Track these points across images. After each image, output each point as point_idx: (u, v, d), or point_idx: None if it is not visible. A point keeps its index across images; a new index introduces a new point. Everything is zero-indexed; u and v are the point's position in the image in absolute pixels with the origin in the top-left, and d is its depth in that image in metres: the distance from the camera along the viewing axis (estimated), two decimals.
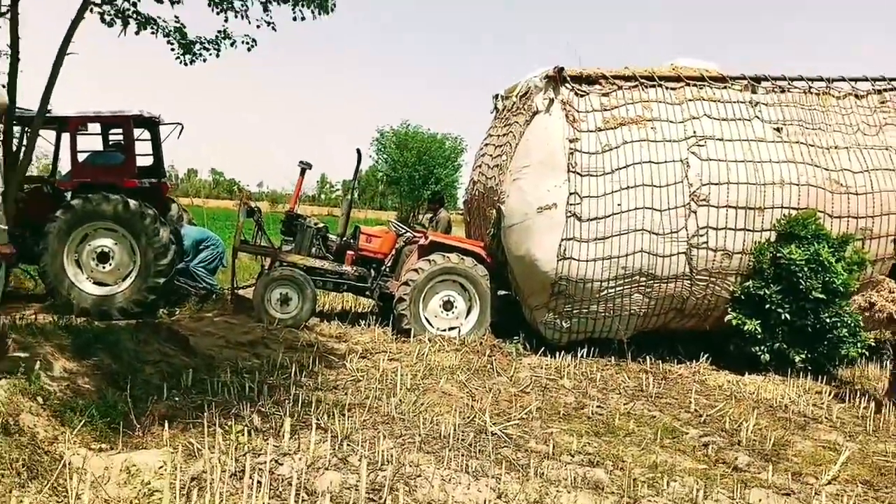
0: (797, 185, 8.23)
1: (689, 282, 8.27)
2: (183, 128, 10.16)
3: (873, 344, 8.07)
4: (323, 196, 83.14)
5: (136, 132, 9.70)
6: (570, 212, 8.16)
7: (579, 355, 8.17)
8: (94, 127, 10.04)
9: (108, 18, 5.96)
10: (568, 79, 8.50)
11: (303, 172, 9.59)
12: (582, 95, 8.54)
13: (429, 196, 17.29)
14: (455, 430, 5.20)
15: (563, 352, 8.23)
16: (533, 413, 6.01)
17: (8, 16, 5.49)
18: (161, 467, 4.07)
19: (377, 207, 69.69)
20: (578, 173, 8.20)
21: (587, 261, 8.17)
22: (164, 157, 10.47)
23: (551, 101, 8.48)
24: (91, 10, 5.50)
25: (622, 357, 8.23)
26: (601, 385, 7.18)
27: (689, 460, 5.07)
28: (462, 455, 4.71)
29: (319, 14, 6.65)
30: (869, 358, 8.28)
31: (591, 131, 8.34)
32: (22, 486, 3.73)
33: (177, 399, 5.45)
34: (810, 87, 8.87)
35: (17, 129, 7.51)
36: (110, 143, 10.20)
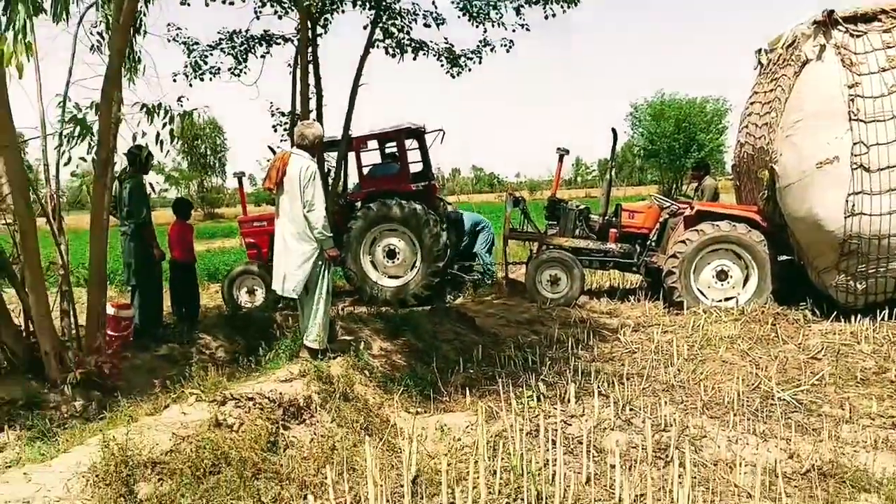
0: None
1: None
2: (444, 133, 11.14)
3: None
4: (579, 179, 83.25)
5: (407, 143, 10.87)
6: (855, 163, 7.44)
7: (879, 318, 7.41)
8: (373, 143, 11.43)
9: (390, 51, 6.88)
10: (840, 21, 7.73)
11: (561, 158, 9.97)
12: (858, 36, 7.70)
13: (692, 164, 16.58)
14: (739, 396, 5.17)
15: (859, 315, 7.54)
16: (826, 379, 5.68)
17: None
18: (468, 427, 4.72)
19: (636, 183, 67.91)
20: (862, 120, 7.44)
21: (881, 215, 7.39)
22: (430, 161, 11.56)
23: (823, 46, 7.78)
24: (377, 46, 6.42)
25: None
26: None
27: None
28: (748, 419, 4.70)
29: (568, 7, 6.96)
30: None
31: (874, 73, 7.50)
32: (362, 443, 4.60)
33: (471, 371, 6.17)
34: None
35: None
36: (386, 154, 11.53)
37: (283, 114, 8.80)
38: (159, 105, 5.38)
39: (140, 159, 6.79)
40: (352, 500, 3.57)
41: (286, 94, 7.90)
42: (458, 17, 7.30)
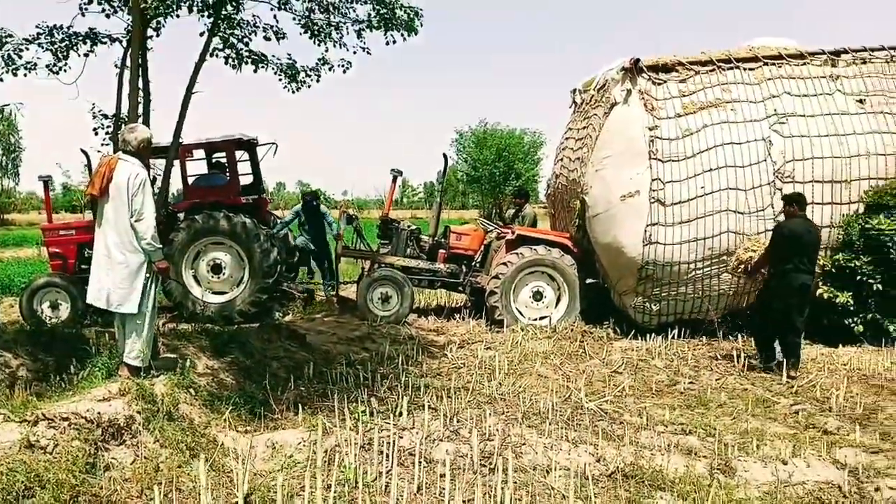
0: (883, 155, 8.19)
1: None
2: (277, 147, 10.98)
3: None
4: (405, 200, 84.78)
5: (238, 154, 10.56)
6: (653, 197, 8.40)
7: (670, 336, 8.39)
8: (200, 152, 10.96)
9: (230, 62, 6.72)
10: (644, 69, 8.73)
11: (395, 179, 10.22)
12: (659, 84, 8.74)
13: (513, 191, 17.64)
14: (553, 406, 5.63)
15: (653, 334, 8.48)
16: (626, 390, 6.35)
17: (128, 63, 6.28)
18: (300, 443, 4.70)
19: (459, 207, 70.50)
20: (660, 159, 8.42)
21: (673, 244, 8.39)
22: (262, 174, 11.33)
23: (629, 91, 8.73)
24: (216, 55, 6.25)
25: (713, 337, 8.40)
26: (693, 363, 7.41)
27: (779, 426, 5.30)
28: (561, 428, 5.13)
29: (409, 36, 7.23)
30: None
31: (671, 118, 8.55)
32: (187, 463, 4.42)
33: (302, 388, 6.12)
34: (892, 56, 8.74)
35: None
36: (213, 165, 11.10)
37: (105, 116, 8.24)
38: None
39: None
40: None
41: (111, 95, 7.40)
42: (300, 33, 7.32)
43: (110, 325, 7.05)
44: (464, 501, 3.86)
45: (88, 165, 9.66)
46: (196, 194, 10.16)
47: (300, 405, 5.52)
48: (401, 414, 5.15)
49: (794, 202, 7.10)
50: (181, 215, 10.06)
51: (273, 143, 10.98)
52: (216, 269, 9.91)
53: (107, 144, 7.79)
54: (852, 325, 7.82)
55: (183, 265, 9.72)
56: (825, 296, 8.05)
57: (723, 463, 4.48)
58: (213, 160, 11.12)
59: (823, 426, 5.20)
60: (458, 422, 5.16)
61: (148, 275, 5.24)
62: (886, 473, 4.30)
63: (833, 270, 8.12)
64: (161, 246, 5.29)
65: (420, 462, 4.30)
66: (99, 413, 4.24)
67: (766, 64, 8.80)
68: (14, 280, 13.17)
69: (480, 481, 4.09)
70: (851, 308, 7.79)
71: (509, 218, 11.35)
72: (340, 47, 7.33)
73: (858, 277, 7.75)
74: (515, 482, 4.10)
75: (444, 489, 3.98)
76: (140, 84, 5.73)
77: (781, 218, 8.16)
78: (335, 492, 3.88)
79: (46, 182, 10.05)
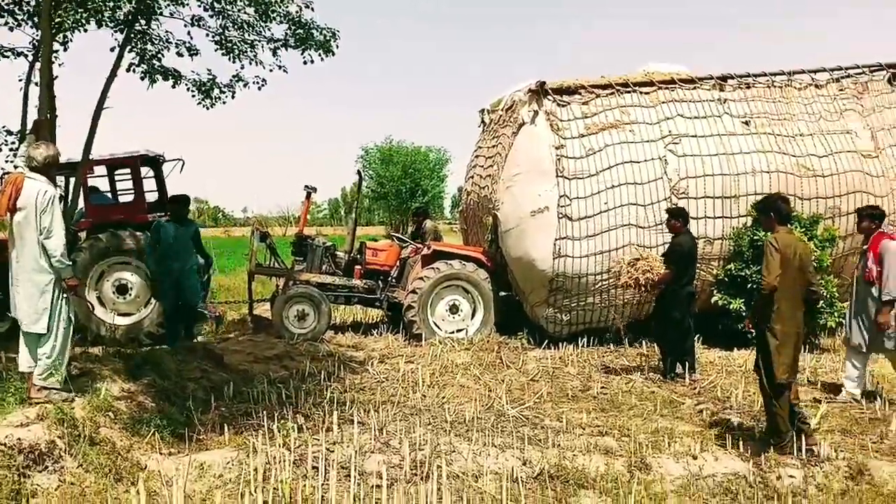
0: (768, 172, 8.95)
1: None
2: (184, 163, 10.72)
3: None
4: (310, 216, 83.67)
5: (143, 170, 10.24)
6: (561, 213, 8.81)
7: (580, 345, 8.80)
8: (101, 169, 10.53)
9: (143, 77, 6.57)
10: (549, 91, 9.18)
11: (308, 196, 10.22)
12: (563, 105, 9.22)
13: (413, 209, 17.98)
14: (477, 415, 5.84)
15: (565, 343, 8.87)
16: (544, 397, 6.64)
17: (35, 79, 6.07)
18: (228, 462, 4.65)
19: (364, 224, 70.33)
20: (566, 177, 8.86)
21: (580, 257, 8.82)
22: (167, 191, 10.99)
23: (536, 112, 9.16)
24: (133, 70, 6.11)
25: (620, 344, 8.88)
26: (603, 369, 7.81)
27: (686, 425, 5.72)
28: (487, 435, 5.32)
29: (326, 56, 7.31)
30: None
31: (575, 137, 9.02)
32: (113, 487, 4.30)
33: (224, 409, 6.03)
34: (773, 81, 9.61)
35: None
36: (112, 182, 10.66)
37: (9, 132, 7.80)
38: None
39: None
40: None
41: (16, 110, 7.03)
42: (214, 50, 7.25)
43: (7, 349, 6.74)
44: None
45: None
46: (99, 213, 9.77)
47: (224, 425, 5.46)
48: (330, 429, 5.20)
49: (680, 216, 7.57)
50: (82, 234, 9.65)
51: (180, 160, 10.70)
52: (122, 289, 9.53)
53: (10, 161, 7.38)
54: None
55: (87, 286, 9.28)
56: (720, 303, 8.69)
57: (639, 460, 4.79)
58: (115, 177, 10.70)
59: (726, 423, 5.65)
60: (387, 434, 5.26)
61: (58, 292, 5.07)
62: (786, 463, 4.74)
63: (726, 279, 8.78)
64: (71, 263, 5.14)
65: (354, 474, 4.37)
66: (19, 439, 4.09)
67: (660, 88, 9.45)
68: None
69: (415, 490, 4.21)
70: (744, 314, 8.42)
71: (410, 234, 11.60)
72: (256, 65, 7.34)
73: (749, 285, 8.40)
74: (449, 488, 4.24)
75: (379, 499, 4.07)
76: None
77: None
78: None
79: None
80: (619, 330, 9.02)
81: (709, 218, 8.89)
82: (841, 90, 9.79)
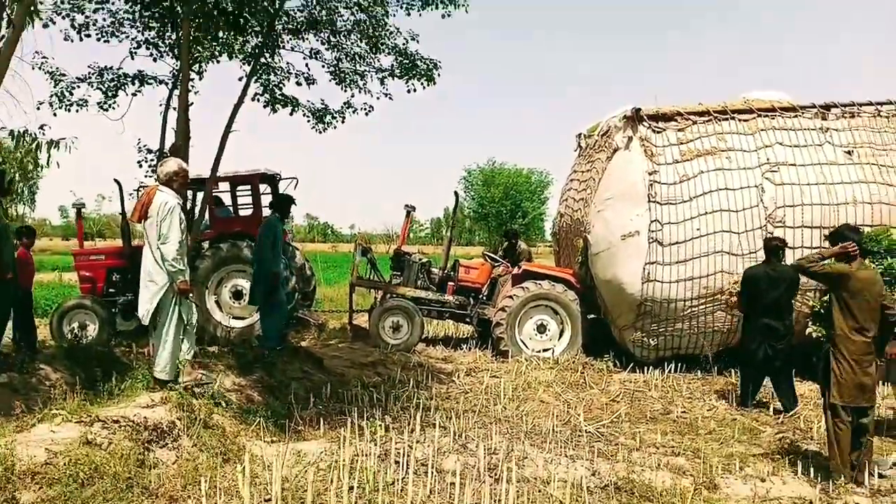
0: (869, 203, 8.69)
1: None
2: (298, 182, 11.61)
3: None
4: (412, 235, 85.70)
5: (261, 188, 11.18)
6: (652, 238, 8.91)
7: (667, 370, 8.83)
8: (225, 185, 11.58)
9: (265, 105, 7.37)
10: (645, 118, 9.33)
11: (408, 214, 10.81)
12: (659, 132, 9.34)
13: (504, 231, 18.57)
14: (553, 428, 6.10)
15: (651, 367, 8.92)
16: (623, 417, 6.80)
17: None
18: (322, 452, 5.17)
19: (465, 243, 71.31)
20: (658, 202, 8.96)
21: (670, 282, 8.87)
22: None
23: (630, 138, 9.33)
24: (257, 100, 6.88)
25: (708, 371, 8.83)
26: (687, 395, 7.85)
27: (762, 451, 5.73)
28: (561, 446, 5.59)
29: (428, 85, 7.88)
30: None
31: (669, 164, 9.11)
32: (220, 466, 4.89)
33: (321, 406, 6.60)
34: (879, 111, 9.33)
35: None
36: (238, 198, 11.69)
37: (149, 150, 8.90)
38: (25, 131, 5.44)
39: (2, 184, 6.59)
40: None
41: (156, 131, 8.07)
42: (329, 80, 8.00)
43: (133, 344, 7.62)
44: None
45: (121, 194, 10.27)
46: (221, 224, 10.77)
47: (321, 420, 6.01)
48: (413, 430, 5.62)
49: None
50: (205, 244, 10.65)
51: (294, 178, 11.61)
52: (237, 295, 10.44)
53: (149, 176, 8.41)
54: None
55: (206, 291, 10.25)
56: (814, 335, 8.48)
57: (707, 480, 4.92)
58: (237, 194, 11.72)
59: (803, 451, 5.63)
60: (465, 438, 5.62)
61: (171, 294, 5.71)
62: (854, 492, 4.73)
63: (821, 311, 8.55)
64: (184, 268, 5.74)
65: (432, 470, 4.76)
66: (145, 417, 4.75)
67: (759, 115, 9.38)
68: (38, 302, 13.69)
69: (486, 489, 4.54)
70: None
71: (501, 254, 12.03)
72: (365, 93, 8.00)
73: None
74: (517, 490, 4.55)
75: (454, 494, 4.44)
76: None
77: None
78: (357, 493, 4.35)
79: (79, 209, 10.66)
80: (707, 357, 8.98)
81: (806, 248, 8.71)
82: None
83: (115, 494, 3.73)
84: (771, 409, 7.17)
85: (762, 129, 9.32)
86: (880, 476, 5.00)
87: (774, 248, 7.53)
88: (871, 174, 8.87)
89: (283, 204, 8.64)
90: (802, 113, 9.44)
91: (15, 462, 3.59)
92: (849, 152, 9.09)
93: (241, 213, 11.25)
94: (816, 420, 6.55)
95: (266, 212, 11.38)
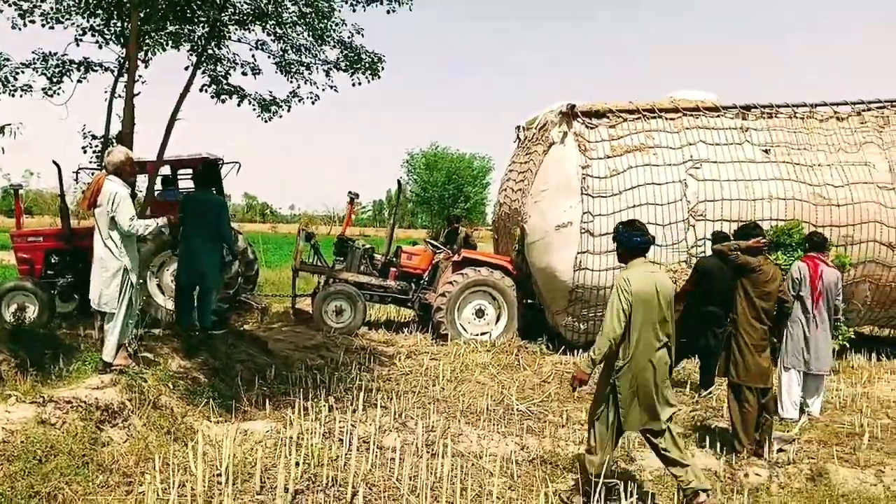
0: (784, 199, 9.42)
1: None
2: (240, 166, 11.68)
3: (853, 337, 9.19)
4: (354, 217, 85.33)
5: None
6: (583, 228, 9.42)
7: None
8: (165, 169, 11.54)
9: (213, 96, 7.49)
10: (579, 114, 9.81)
11: (351, 202, 11.06)
12: (592, 128, 9.84)
13: (447, 215, 18.97)
14: (488, 407, 6.53)
15: (581, 350, 9.47)
16: (552, 397, 7.29)
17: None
18: (268, 431, 5.45)
19: (407, 227, 71.54)
20: (590, 195, 9.48)
21: (600, 270, 9.42)
22: (224, 191, 11.95)
23: (565, 133, 9.80)
24: (205, 91, 7.01)
25: None
26: None
27: (676, 428, 6.29)
28: (494, 424, 6.02)
29: (373, 79, 8.14)
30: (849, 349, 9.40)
31: (601, 158, 9.63)
32: (169, 445, 5.12)
33: (266, 388, 6.85)
34: (795, 112, 10.07)
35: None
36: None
37: (94, 137, 8.86)
38: None
39: None
40: (178, 485, 4.16)
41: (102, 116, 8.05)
42: (275, 71, 8.15)
43: (75, 327, 7.66)
44: (410, 477, 4.68)
45: (60, 176, 10.15)
46: (160, 207, 10.75)
47: (266, 401, 6.27)
48: (356, 410, 5.95)
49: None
50: None
51: (236, 163, 11.66)
52: None
53: (93, 161, 8.41)
54: None
55: (147, 275, 10.27)
56: None
57: (625, 453, 5.43)
58: (178, 177, 11.71)
59: (712, 428, 6.22)
60: (405, 417, 6.00)
61: (123, 280, 5.85)
62: (755, 463, 5.33)
63: None
64: (150, 224, 5.88)
65: (374, 447, 5.11)
66: (96, 398, 4.94)
67: (685, 115, 10.00)
68: None
69: (424, 463, 4.93)
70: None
71: (444, 238, 12.41)
72: (310, 84, 8.20)
73: None
74: (452, 463, 4.95)
75: (393, 468, 4.81)
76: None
77: (694, 250, 9.39)
78: (302, 468, 4.66)
79: (16, 190, 10.50)
80: None
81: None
82: (862, 123, 10.19)
83: (72, 470, 3.95)
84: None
85: (687, 128, 9.93)
86: (780, 451, 5.59)
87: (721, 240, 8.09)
88: (786, 172, 9.59)
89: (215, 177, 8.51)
90: (724, 113, 10.10)
91: None
92: (766, 151, 9.79)
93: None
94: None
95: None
